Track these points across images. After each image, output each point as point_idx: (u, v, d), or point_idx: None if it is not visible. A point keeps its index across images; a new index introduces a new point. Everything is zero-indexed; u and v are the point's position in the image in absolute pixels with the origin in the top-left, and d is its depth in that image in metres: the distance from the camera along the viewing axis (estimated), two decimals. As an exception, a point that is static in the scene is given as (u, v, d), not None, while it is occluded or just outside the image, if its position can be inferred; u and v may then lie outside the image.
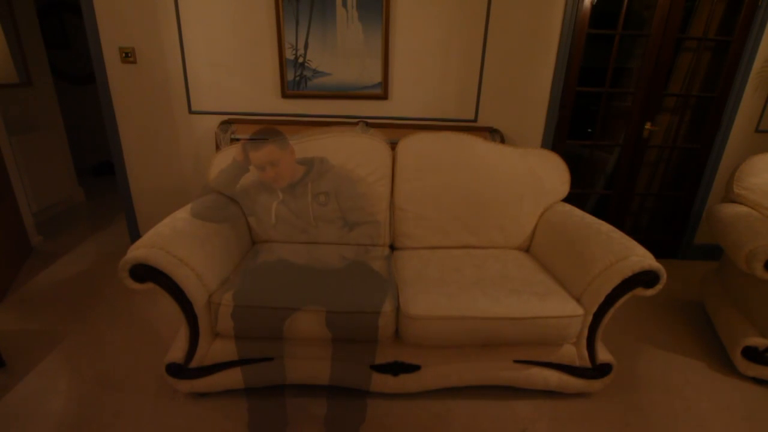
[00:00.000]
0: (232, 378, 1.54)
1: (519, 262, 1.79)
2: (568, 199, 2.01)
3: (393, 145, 2.05)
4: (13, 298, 2.23)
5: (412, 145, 2.01)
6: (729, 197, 2.04)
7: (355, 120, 2.51)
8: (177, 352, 1.49)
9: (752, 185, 1.94)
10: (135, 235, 2.79)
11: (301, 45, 2.38)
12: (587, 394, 1.65)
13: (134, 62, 2.42)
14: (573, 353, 1.55)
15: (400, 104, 2.53)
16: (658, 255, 1.45)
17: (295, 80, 2.46)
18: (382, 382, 1.56)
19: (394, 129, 2.46)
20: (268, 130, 1.70)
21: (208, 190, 1.88)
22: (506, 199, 1.94)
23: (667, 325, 2.17)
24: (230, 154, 1.78)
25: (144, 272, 1.34)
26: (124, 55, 2.40)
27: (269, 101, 2.52)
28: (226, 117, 2.50)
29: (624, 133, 2.68)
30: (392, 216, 1.99)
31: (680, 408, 1.63)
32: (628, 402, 1.65)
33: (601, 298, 1.44)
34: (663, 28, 2.41)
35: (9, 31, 2.92)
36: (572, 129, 2.64)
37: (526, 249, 1.98)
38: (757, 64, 2.45)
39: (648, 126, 2.62)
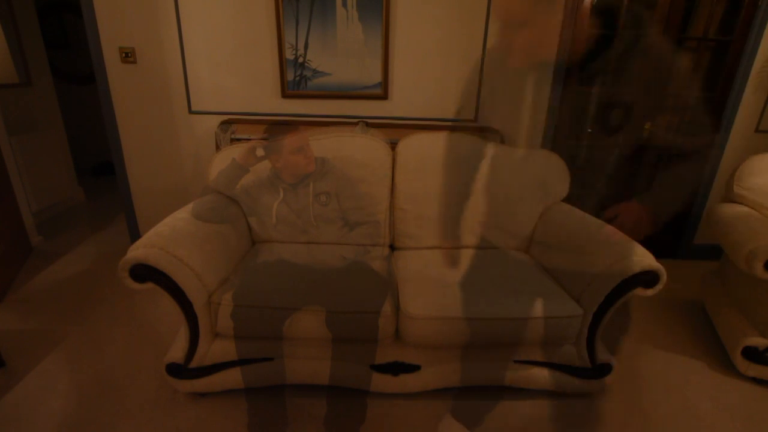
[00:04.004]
0: (232, 378, 1.54)
1: (519, 262, 1.79)
2: (568, 199, 2.01)
3: (393, 145, 2.05)
4: (13, 298, 2.23)
5: (412, 145, 2.01)
6: (729, 197, 2.04)
7: (355, 120, 2.51)
8: (177, 352, 1.49)
9: (752, 185, 1.94)
10: (135, 235, 2.79)
11: (301, 45, 2.38)
12: (587, 394, 1.65)
13: (134, 62, 2.42)
14: (573, 353, 1.55)
15: (400, 104, 2.53)
16: (658, 255, 1.45)
17: (295, 80, 2.46)
18: (382, 382, 1.56)
19: (394, 129, 2.46)
20: (277, 127, 1.71)
21: (208, 191, 1.88)
22: (506, 199, 1.94)
23: (667, 325, 2.17)
24: (230, 154, 1.78)
25: (144, 272, 1.34)
26: (124, 55, 2.40)
27: (269, 101, 2.51)
28: (226, 117, 2.50)
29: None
30: (392, 216, 1.99)
31: (680, 408, 1.63)
32: (628, 402, 1.65)
33: (601, 298, 1.44)
34: (663, 28, 2.41)
35: (9, 31, 2.92)
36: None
37: (526, 249, 1.98)
38: (757, 64, 2.45)
39: (648, 126, 2.61)
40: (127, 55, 2.40)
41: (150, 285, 1.37)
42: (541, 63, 1.13)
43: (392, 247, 2.01)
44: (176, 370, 1.50)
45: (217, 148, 2.43)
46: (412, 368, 1.55)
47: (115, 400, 1.58)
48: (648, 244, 1.53)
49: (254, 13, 2.34)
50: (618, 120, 1.19)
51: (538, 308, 1.44)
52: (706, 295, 2.16)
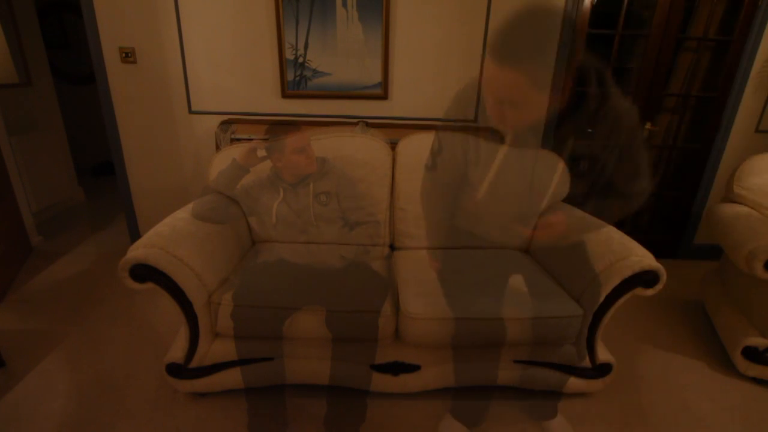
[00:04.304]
0: (232, 378, 1.54)
1: (519, 262, 1.79)
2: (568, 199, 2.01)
3: (393, 145, 2.05)
4: (13, 298, 2.23)
5: (412, 145, 2.01)
6: (729, 197, 2.04)
7: (355, 120, 2.51)
8: (177, 352, 1.49)
9: (752, 185, 1.94)
10: (135, 235, 2.79)
11: (301, 45, 2.38)
12: (587, 394, 1.65)
13: (134, 62, 2.42)
14: (573, 353, 1.55)
15: (400, 104, 2.53)
16: (658, 255, 1.45)
17: (295, 80, 2.46)
18: (382, 382, 1.56)
19: (394, 129, 2.46)
20: (279, 127, 1.71)
21: (208, 191, 1.88)
22: (506, 199, 1.94)
23: (667, 325, 2.17)
24: (230, 155, 1.78)
25: (144, 272, 1.34)
26: (124, 55, 2.40)
27: (269, 101, 2.52)
28: (226, 117, 2.50)
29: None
30: (392, 216, 1.99)
31: (680, 408, 1.63)
32: (628, 402, 1.65)
33: (601, 298, 1.44)
34: (663, 28, 2.41)
35: (9, 31, 2.92)
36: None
37: (526, 249, 1.98)
38: (757, 64, 2.45)
39: (648, 126, 2.62)
40: (127, 55, 2.40)
41: (150, 285, 1.37)
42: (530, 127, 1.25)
43: (392, 247, 2.01)
44: (176, 370, 1.50)
45: (217, 148, 2.43)
46: (412, 368, 1.55)
47: (115, 400, 1.58)
48: (648, 244, 1.53)
49: (254, 13, 2.34)
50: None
51: (538, 308, 1.44)
52: (706, 295, 2.16)
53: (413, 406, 1.58)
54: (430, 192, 1.57)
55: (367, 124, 2.47)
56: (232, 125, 2.44)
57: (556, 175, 2.01)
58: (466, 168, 1.53)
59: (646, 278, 1.39)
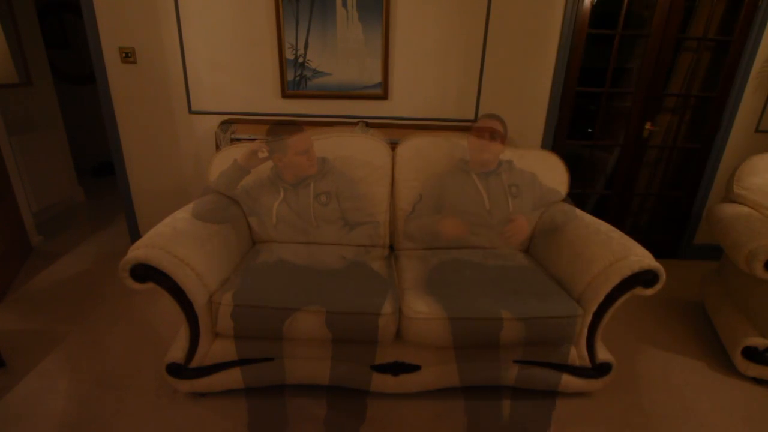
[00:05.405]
0: (232, 378, 1.54)
1: (519, 262, 1.79)
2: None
3: (393, 145, 2.05)
4: (13, 298, 2.23)
5: (413, 146, 2.01)
6: (729, 197, 2.04)
7: (355, 120, 2.51)
8: (177, 352, 1.49)
9: (752, 185, 1.94)
10: (135, 235, 2.79)
11: (301, 45, 2.38)
12: (587, 394, 1.65)
13: (134, 62, 2.42)
14: (573, 353, 1.55)
15: (400, 104, 2.53)
16: (657, 255, 1.46)
17: (295, 80, 2.46)
18: (382, 382, 1.55)
19: (394, 129, 2.46)
20: (281, 127, 1.70)
21: (209, 191, 1.87)
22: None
23: (667, 325, 2.17)
24: (230, 155, 1.78)
25: (144, 272, 1.34)
26: (124, 55, 2.40)
27: (269, 101, 2.52)
28: (226, 117, 2.50)
29: (624, 133, 2.68)
30: (392, 216, 1.99)
31: (680, 408, 1.63)
32: (628, 402, 1.65)
33: (601, 298, 1.44)
34: (663, 28, 2.41)
35: (9, 31, 2.92)
36: (572, 129, 2.64)
37: (526, 249, 1.98)
38: (757, 64, 2.45)
39: (648, 126, 2.62)
40: (127, 55, 2.40)
41: (150, 285, 1.37)
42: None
43: (392, 248, 2.01)
44: (176, 370, 1.50)
45: (217, 148, 2.43)
46: (412, 368, 1.55)
47: (115, 400, 1.58)
48: (648, 244, 1.53)
49: (254, 13, 2.34)
50: None
51: (538, 308, 1.44)
52: (706, 295, 2.16)
53: (413, 406, 1.58)
54: (411, 234, 1.93)
55: (367, 124, 2.47)
56: (232, 125, 2.44)
57: (556, 174, 2.01)
58: (438, 213, 1.85)
59: (646, 278, 1.40)
